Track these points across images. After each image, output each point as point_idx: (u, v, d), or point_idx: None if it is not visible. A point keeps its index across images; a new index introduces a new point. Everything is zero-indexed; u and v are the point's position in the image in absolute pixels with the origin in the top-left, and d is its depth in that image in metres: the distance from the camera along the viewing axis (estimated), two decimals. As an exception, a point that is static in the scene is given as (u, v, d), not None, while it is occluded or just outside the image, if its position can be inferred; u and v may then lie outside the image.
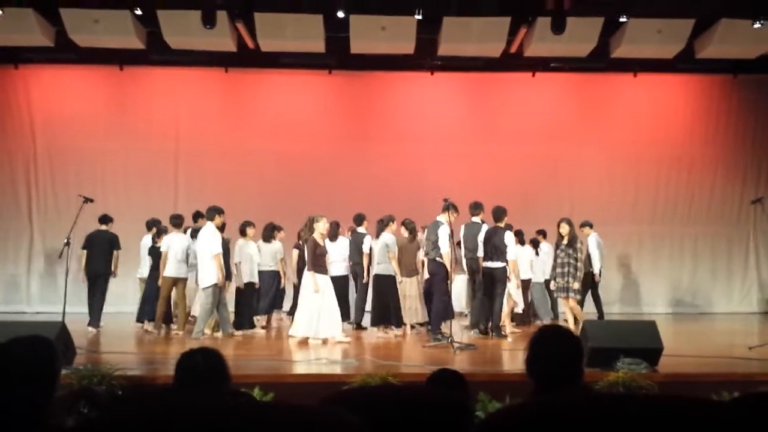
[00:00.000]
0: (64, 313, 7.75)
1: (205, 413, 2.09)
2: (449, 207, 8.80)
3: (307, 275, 8.67)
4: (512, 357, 7.63)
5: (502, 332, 9.14)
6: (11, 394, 2.32)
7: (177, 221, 9.67)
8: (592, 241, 10.14)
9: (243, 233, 9.76)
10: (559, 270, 9.08)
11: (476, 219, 9.42)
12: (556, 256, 9.25)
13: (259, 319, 10.28)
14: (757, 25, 10.34)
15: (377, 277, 9.40)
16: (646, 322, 6.89)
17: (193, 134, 13.03)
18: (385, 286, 9.29)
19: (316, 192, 12.46)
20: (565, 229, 9.10)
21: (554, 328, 2.68)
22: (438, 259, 8.82)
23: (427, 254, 9.17)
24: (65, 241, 7.97)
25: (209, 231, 9.00)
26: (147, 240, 10.24)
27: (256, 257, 9.85)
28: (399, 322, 9.41)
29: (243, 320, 9.63)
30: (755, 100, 13.61)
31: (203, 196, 12.20)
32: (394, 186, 12.60)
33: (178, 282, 9.43)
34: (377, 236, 9.54)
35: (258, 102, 13.30)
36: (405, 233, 9.66)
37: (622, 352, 6.18)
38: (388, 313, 9.28)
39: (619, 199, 13.33)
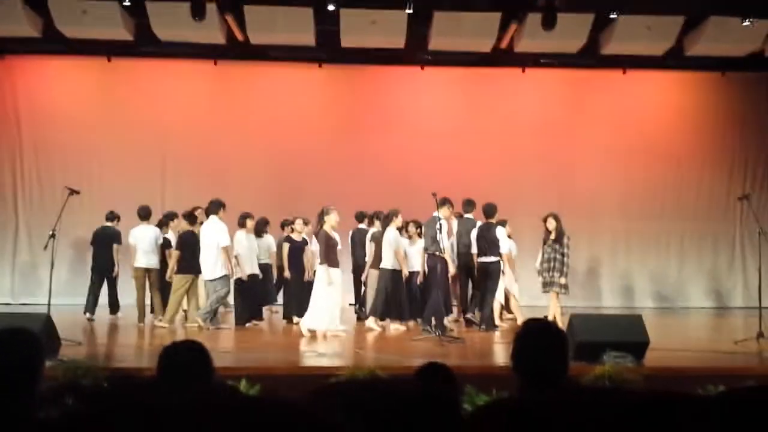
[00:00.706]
0: (49, 304, 7.69)
1: (189, 409, 2.08)
2: (446, 202, 8.92)
3: (321, 269, 8.65)
4: (500, 350, 7.64)
5: (493, 324, 9.25)
6: (-6, 386, 2.29)
7: (145, 213, 9.90)
8: None
9: (242, 225, 9.72)
10: (545, 265, 9.09)
11: (469, 215, 9.70)
12: (543, 251, 9.27)
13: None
14: (746, 24, 10.41)
15: (383, 271, 9.39)
16: (633, 316, 6.93)
17: (182, 126, 12.94)
18: (391, 280, 9.31)
19: (305, 185, 12.44)
20: (551, 224, 9.12)
21: (539, 323, 2.68)
22: (438, 253, 8.86)
23: (426, 249, 9.20)
24: (50, 233, 7.90)
25: (215, 224, 9.12)
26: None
27: (255, 249, 9.86)
28: (404, 316, 9.49)
29: (245, 312, 9.57)
30: (743, 98, 13.70)
31: (191, 188, 12.17)
32: (383, 180, 12.57)
33: (150, 272, 9.68)
34: (382, 230, 9.53)
35: (247, 95, 13.23)
36: (378, 227, 9.66)
37: (608, 346, 6.21)
38: (391, 306, 9.33)
39: (608, 195, 13.37)
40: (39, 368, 2.55)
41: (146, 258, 9.67)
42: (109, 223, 10.38)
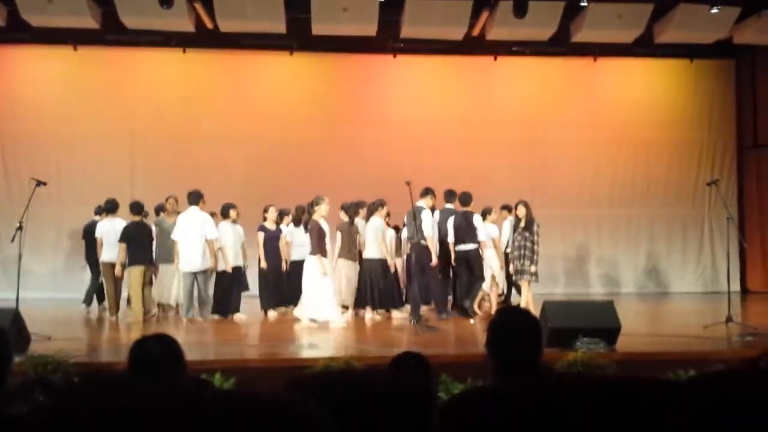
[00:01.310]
0: (18, 299, 7.57)
1: (159, 405, 2.05)
2: (428, 192, 9.10)
3: (313, 260, 8.61)
4: (475, 339, 7.69)
5: (471, 312, 9.37)
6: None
7: (110, 206, 9.63)
8: (506, 225, 10.27)
9: (225, 215, 9.57)
10: (516, 253, 9.07)
11: (449, 205, 9.78)
12: (513, 239, 9.28)
13: None
14: (714, 11, 10.53)
15: (370, 261, 9.37)
16: (605, 302, 6.99)
17: (150, 116, 12.77)
18: (379, 269, 9.30)
19: (276, 174, 12.37)
20: (521, 211, 9.08)
21: (513, 311, 2.69)
22: (423, 242, 8.92)
23: (410, 238, 9.21)
24: (17, 225, 7.76)
25: (198, 215, 8.98)
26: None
27: (240, 240, 9.70)
28: (388, 305, 9.51)
29: (229, 305, 9.45)
30: (711, 84, 13.92)
31: (161, 178, 12.04)
32: (356, 168, 12.55)
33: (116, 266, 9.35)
34: (367, 220, 9.49)
35: (217, 83, 13.09)
36: (344, 217, 9.69)
37: (581, 332, 6.28)
38: (378, 296, 9.33)
39: (579, 181, 13.51)
40: (6, 364, 2.51)
41: (111, 251, 9.37)
42: (97, 217, 10.29)
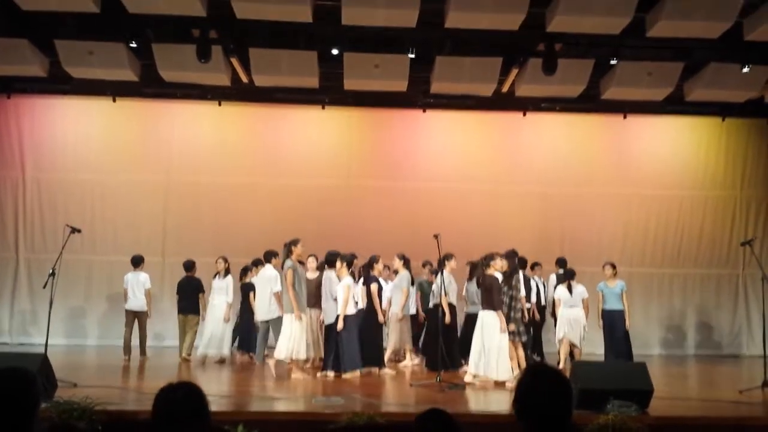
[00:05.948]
0: (46, 345, 7.61)
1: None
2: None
3: (492, 315, 8.24)
4: (502, 397, 7.53)
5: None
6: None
7: (136, 261, 10.86)
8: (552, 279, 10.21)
9: (333, 265, 9.43)
10: (504, 310, 8.45)
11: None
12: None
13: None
14: (745, 70, 10.53)
15: (469, 316, 9.64)
16: (636, 364, 6.85)
17: (185, 168, 12.97)
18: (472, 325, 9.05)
19: (307, 227, 12.37)
20: (504, 264, 8.55)
21: (542, 368, 2.63)
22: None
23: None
24: (50, 271, 7.85)
25: (272, 271, 9.70)
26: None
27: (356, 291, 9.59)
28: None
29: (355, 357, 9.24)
30: (743, 143, 13.76)
31: (193, 228, 12.18)
32: (385, 223, 12.58)
33: (138, 314, 10.71)
34: (470, 278, 9.68)
35: (251, 136, 13.29)
36: (313, 272, 9.74)
37: (612, 394, 6.13)
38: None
39: (609, 240, 13.33)
40: (35, 408, 2.52)
41: (134, 301, 10.66)
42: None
